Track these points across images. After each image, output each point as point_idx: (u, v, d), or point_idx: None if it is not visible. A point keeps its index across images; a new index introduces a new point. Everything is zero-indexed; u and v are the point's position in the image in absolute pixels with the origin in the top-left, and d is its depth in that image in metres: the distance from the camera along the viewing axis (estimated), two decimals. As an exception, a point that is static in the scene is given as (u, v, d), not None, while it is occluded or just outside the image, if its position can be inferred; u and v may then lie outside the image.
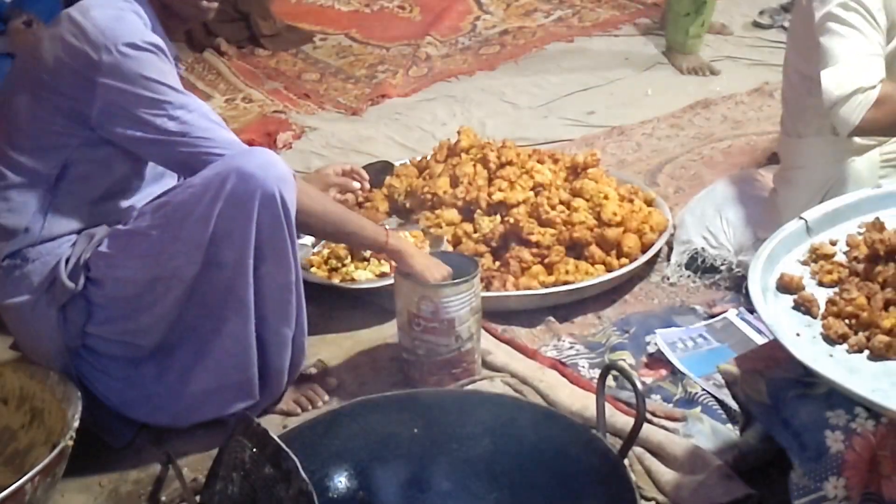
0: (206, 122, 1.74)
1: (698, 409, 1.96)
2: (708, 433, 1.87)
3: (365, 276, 2.32)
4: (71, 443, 1.61)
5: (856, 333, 1.41)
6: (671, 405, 2.00)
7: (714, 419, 1.92)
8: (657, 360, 2.18)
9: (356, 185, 2.33)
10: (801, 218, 1.68)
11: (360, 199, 2.57)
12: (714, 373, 2.06)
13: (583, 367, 2.15)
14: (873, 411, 1.30)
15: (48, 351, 1.80)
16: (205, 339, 1.79)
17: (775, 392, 1.39)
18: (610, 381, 2.09)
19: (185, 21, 1.89)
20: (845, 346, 1.40)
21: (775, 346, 1.48)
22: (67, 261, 1.74)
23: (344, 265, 2.33)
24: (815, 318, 1.48)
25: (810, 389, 1.37)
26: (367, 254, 2.30)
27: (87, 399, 1.74)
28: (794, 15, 2.30)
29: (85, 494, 1.76)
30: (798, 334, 1.43)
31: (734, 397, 1.60)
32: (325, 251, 2.39)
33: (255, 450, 1.22)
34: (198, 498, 1.43)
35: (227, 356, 1.79)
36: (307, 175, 2.42)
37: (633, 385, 1.38)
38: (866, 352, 1.39)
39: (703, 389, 2.02)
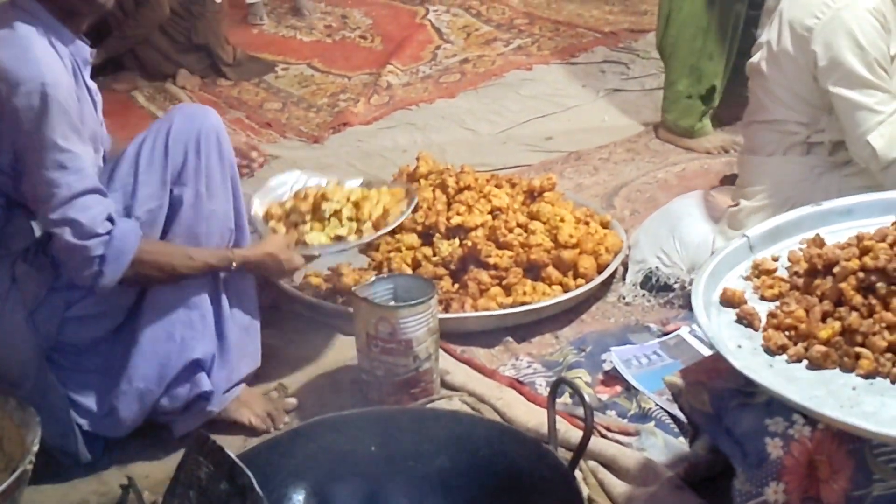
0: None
1: (652, 423, 2.00)
2: (661, 446, 1.91)
3: (318, 239, 2.24)
4: (30, 467, 1.62)
5: (795, 344, 1.46)
6: (626, 420, 2.04)
7: (667, 433, 1.96)
8: (613, 377, 2.22)
9: (260, 159, 2.28)
10: (744, 235, 1.74)
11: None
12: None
13: (540, 385, 2.18)
14: (810, 418, 1.35)
15: (22, 359, 1.83)
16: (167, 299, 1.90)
17: (718, 402, 1.44)
18: (566, 399, 2.14)
19: (85, 17, 1.86)
20: (784, 356, 1.45)
21: (718, 358, 1.52)
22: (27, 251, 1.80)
23: (304, 221, 2.25)
24: (756, 330, 1.53)
25: (751, 399, 1.42)
26: (327, 214, 2.25)
27: (61, 414, 1.76)
28: (777, 39, 2.29)
29: (51, 511, 1.77)
30: (739, 346, 1.48)
31: (680, 408, 1.65)
32: (288, 204, 2.30)
33: (210, 467, 1.24)
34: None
35: (179, 301, 1.90)
36: None
37: (581, 397, 1.42)
38: (805, 362, 1.44)
39: (657, 405, 2.07)
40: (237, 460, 1.22)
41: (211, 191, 1.90)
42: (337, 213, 2.23)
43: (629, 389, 2.16)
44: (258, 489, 1.20)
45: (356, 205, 2.26)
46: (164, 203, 1.86)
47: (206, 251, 1.91)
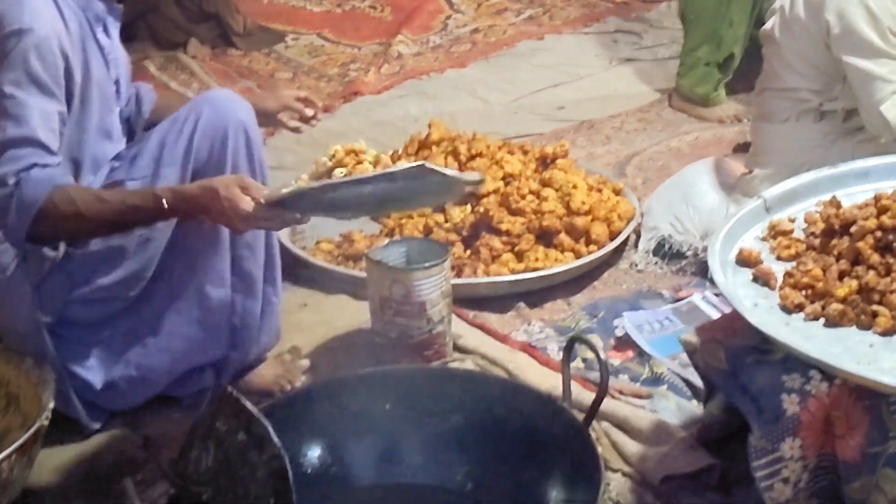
0: None
1: (664, 387, 2.01)
2: (673, 409, 1.92)
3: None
4: (46, 423, 1.62)
5: (812, 303, 1.46)
6: (638, 385, 2.04)
7: (679, 396, 1.97)
8: (625, 342, 2.22)
9: (309, 112, 2.12)
10: (760, 197, 1.73)
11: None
12: (680, 352, 2.11)
13: (552, 349, 2.19)
14: (827, 374, 1.35)
15: (23, 330, 1.81)
16: (180, 280, 1.84)
17: (734, 359, 1.44)
18: (579, 363, 2.14)
19: None
20: (801, 315, 1.45)
21: (734, 317, 1.52)
22: None
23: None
24: (772, 290, 1.52)
25: (767, 356, 1.42)
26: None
27: (61, 385, 1.76)
28: (790, 6, 2.29)
29: (62, 477, 1.78)
30: (756, 304, 1.47)
31: (695, 367, 1.64)
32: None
33: (228, 418, 1.24)
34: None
35: (198, 295, 1.84)
36: (263, 92, 2.31)
37: (597, 354, 1.42)
38: (821, 320, 1.43)
39: (669, 369, 2.07)
40: (255, 411, 1.23)
41: None
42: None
43: (641, 354, 2.16)
44: (276, 439, 1.20)
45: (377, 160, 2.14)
46: None
47: (126, 191, 1.72)
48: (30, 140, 1.64)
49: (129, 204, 1.67)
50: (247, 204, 1.63)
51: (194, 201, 1.67)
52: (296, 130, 2.15)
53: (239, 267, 1.88)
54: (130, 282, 1.81)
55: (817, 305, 1.45)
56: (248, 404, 1.23)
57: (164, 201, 1.65)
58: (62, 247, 1.75)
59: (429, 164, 1.71)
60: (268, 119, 2.04)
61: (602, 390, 1.39)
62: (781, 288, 1.50)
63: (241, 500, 1.22)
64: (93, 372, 1.85)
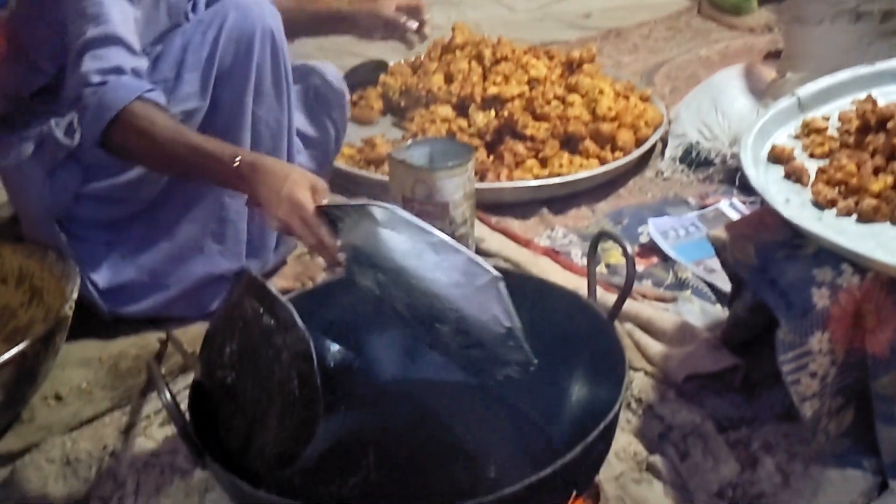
0: None
1: (688, 291, 1.99)
2: (697, 313, 1.90)
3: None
4: (70, 313, 1.63)
5: (845, 199, 1.43)
6: (662, 290, 2.03)
7: (704, 300, 1.95)
8: (649, 249, 2.20)
9: (413, 25, 2.00)
10: (793, 94, 1.69)
11: (418, 42, 2.11)
12: (705, 258, 2.10)
13: (575, 255, 2.17)
14: (859, 267, 1.33)
15: (37, 219, 1.80)
16: (196, 188, 1.79)
17: (763, 253, 1.41)
18: (602, 269, 2.13)
19: None
20: (833, 210, 1.42)
21: (764, 212, 1.49)
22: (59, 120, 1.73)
23: None
24: (804, 186, 1.49)
25: (798, 250, 1.39)
26: None
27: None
28: None
29: (85, 369, 1.79)
30: (788, 200, 1.44)
31: (723, 263, 1.62)
32: None
33: (252, 302, 1.24)
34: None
35: (215, 205, 1.81)
36: (359, 9, 2.09)
37: (623, 247, 1.39)
38: (854, 216, 1.41)
39: (694, 274, 2.05)
40: (279, 295, 1.22)
41: (260, 97, 1.75)
42: None
43: (666, 260, 2.15)
44: (300, 323, 1.19)
45: None
46: (203, 106, 1.72)
47: (208, 137, 1.58)
48: (112, 38, 1.58)
49: (206, 148, 1.53)
50: (308, 203, 1.42)
51: (263, 174, 1.47)
52: (409, 45, 2.07)
53: None
54: (143, 185, 1.77)
55: (850, 201, 1.42)
56: (273, 288, 1.22)
57: (237, 159, 1.49)
58: (77, 136, 1.71)
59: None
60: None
61: (628, 283, 1.37)
62: (814, 184, 1.47)
63: (264, 383, 1.22)
64: (100, 273, 1.84)
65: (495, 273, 1.27)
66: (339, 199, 1.54)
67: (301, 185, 1.43)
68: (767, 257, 1.40)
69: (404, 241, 1.29)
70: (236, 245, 1.88)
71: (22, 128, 1.75)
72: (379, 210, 1.30)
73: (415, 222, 1.29)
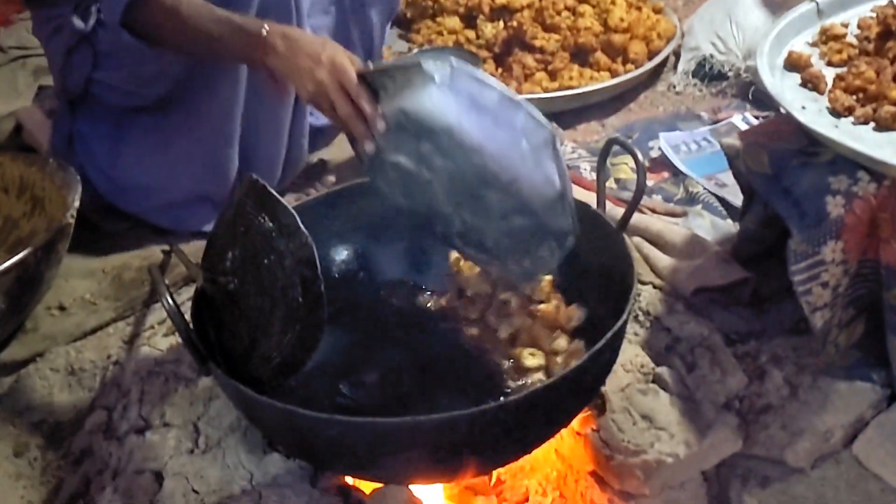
0: None
1: (699, 206, 1.96)
2: (707, 227, 1.88)
3: None
4: (72, 221, 1.61)
5: (863, 106, 1.39)
6: (672, 205, 2.00)
7: (714, 215, 1.92)
8: (660, 163, 2.17)
9: None
10: (812, 0, 1.63)
11: None
12: (717, 173, 2.06)
13: (584, 169, 2.14)
14: (876, 175, 1.29)
15: (56, 93, 1.79)
16: (197, 98, 1.75)
17: (777, 162, 1.37)
18: (611, 184, 2.09)
19: None
20: (851, 118, 1.38)
21: (779, 120, 1.46)
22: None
23: None
24: (821, 94, 1.45)
25: (813, 158, 1.36)
26: None
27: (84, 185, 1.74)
28: None
29: (88, 280, 1.78)
30: (804, 107, 1.40)
31: (735, 173, 1.59)
32: None
33: (254, 207, 1.21)
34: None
35: (224, 117, 1.77)
36: None
37: (633, 154, 1.36)
38: (872, 123, 1.36)
39: (705, 189, 2.02)
40: (282, 200, 1.19)
41: None
42: None
43: (676, 175, 2.12)
44: (303, 228, 1.17)
45: None
46: None
47: (233, 13, 1.51)
48: None
49: (232, 20, 1.47)
50: (349, 67, 1.36)
51: (296, 41, 1.42)
52: None
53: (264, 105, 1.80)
54: (154, 81, 1.73)
55: (868, 108, 1.37)
56: (275, 193, 1.20)
57: (264, 28, 1.44)
58: (92, 20, 1.67)
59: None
60: None
61: (639, 190, 1.33)
62: (831, 91, 1.43)
63: (267, 289, 1.20)
64: (104, 170, 1.83)
65: (552, 129, 1.24)
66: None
67: (340, 51, 1.39)
68: (781, 166, 1.37)
69: (461, 98, 1.23)
70: (237, 162, 1.84)
71: (50, 5, 1.71)
72: (435, 66, 1.23)
73: (476, 75, 1.23)
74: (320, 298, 1.17)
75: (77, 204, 1.63)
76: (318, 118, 1.97)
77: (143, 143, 1.81)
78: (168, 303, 1.14)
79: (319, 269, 1.17)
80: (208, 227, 1.80)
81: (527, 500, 1.56)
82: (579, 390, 1.21)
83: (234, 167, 1.85)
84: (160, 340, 1.59)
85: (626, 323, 1.25)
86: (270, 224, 1.19)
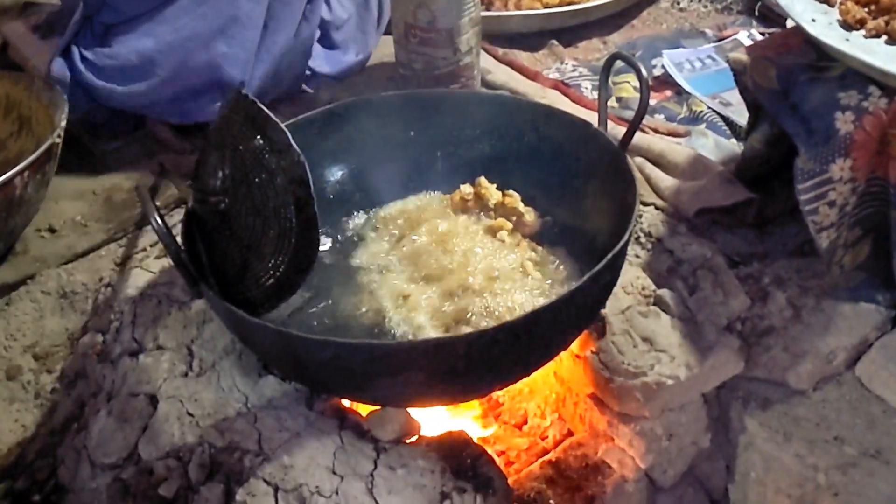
0: None
1: (703, 125, 1.92)
2: (711, 147, 1.83)
3: None
4: (59, 140, 1.56)
5: (874, 18, 1.34)
6: (675, 124, 1.95)
7: (718, 135, 1.88)
8: (662, 82, 2.12)
9: None
10: None
11: None
12: (721, 91, 2.01)
13: (586, 88, 2.09)
14: (888, 90, 1.25)
15: None
16: None
17: (786, 77, 1.33)
18: (613, 103, 2.04)
19: None
20: (862, 31, 1.33)
21: (788, 34, 1.41)
22: None
23: None
24: (831, 6, 1.40)
25: (822, 73, 1.31)
26: None
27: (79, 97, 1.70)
28: None
29: (79, 202, 1.74)
30: (813, 20, 1.35)
31: (741, 90, 1.54)
32: None
33: (244, 123, 1.17)
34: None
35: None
36: None
37: (636, 69, 1.31)
38: (884, 36, 1.32)
39: (709, 108, 1.97)
40: (272, 116, 1.15)
41: None
42: None
43: (680, 94, 2.06)
44: (295, 145, 1.13)
45: None
46: None
47: None
48: None
49: None
50: None
51: None
52: None
53: None
54: None
55: (881, 21, 1.33)
56: (265, 108, 1.15)
57: None
58: None
59: None
60: None
61: (643, 105, 1.29)
62: (842, 3, 1.38)
63: (260, 210, 1.16)
64: (95, 48, 1.78)
65: None
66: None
67: None
68: (790, 81, 1.32)
69: None
70: (244, 51, 1.78)
71: None
72: None
73: None
74: (314, 219, 1.14)
75: (64, 123, 1.58)
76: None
77: (139, 25, 1.75)
78: (157, 223, 1.11)
79: (312, 189, 1.13)
80: None
81: (525, 422, 1.55)
82: (580, 312, 1.19)
83: (256, 37, 1.79)
84: (153, 263, 1.56)
85: (627, 244, 1.22)
86: (261, 142, 1.16)
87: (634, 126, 1.34)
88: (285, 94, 1.95)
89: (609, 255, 1.16)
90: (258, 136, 1.15)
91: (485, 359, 1.10)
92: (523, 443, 1.50)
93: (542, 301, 1.33)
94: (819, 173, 1.27)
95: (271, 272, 1.18)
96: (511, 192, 1.50)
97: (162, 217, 1.13)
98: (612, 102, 2.03)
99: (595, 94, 2.09)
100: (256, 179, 1.16)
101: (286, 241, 1.15)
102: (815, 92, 1.29)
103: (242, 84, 1.76)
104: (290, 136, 1.14)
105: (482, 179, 1.52)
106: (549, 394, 1.54)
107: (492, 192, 1.50)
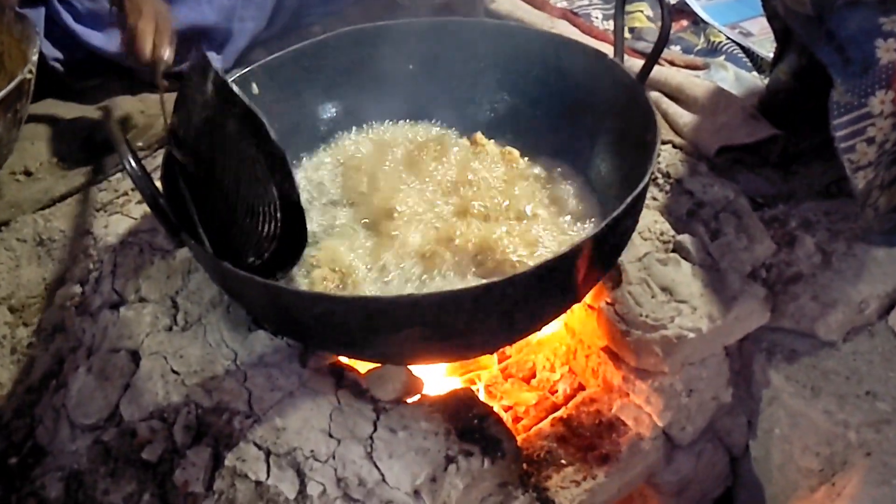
0: None
1: (722, 57, 1.80)
2: (731, 81, 1.72)
3: None
4: (30, 76, 1.45)
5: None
6: (692, 56, 1.84)
7: (739, 67, 1.76)
8: (678, 11, 2.00)
9: None
10: None
11: None
12: (741, 21, 1.89)
13: (596, 17, 1.97)
14: (936, 14, 1.13)
15: None
16: None
17: (820, 1, 1.21)
18: (625, 34, 1.92)
19: None
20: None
21: (824, -47, 1.28)
22: None
23: None
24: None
25: (863, -4, 1.19)
26: None
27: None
28: None
29: (56, 142, 1.63)
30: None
31: (769, 16, 1.42)
32: None
33: (217, 101, 1.05)
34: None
35: None
36: None
37: (659, -6, 1.19)
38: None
39: (728, 38, 1.85)
40: (246, 101, 1.02)
41: None
42: None
43: (697, 23, 1.95)
44: (273, 135, 1.01)
45: None
46: None
47: None
48: None
49: None
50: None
51: None
52: None
53: None
54: None
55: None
56: (239, 94, 1.03)
57: None
58: None
59: None
60: None
61: (664, 32, 1.18)
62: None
63: (239, 168, 1.06)
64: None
65: None
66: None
67: None
68: (825, 5, 1.20)
69: None
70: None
71: None
72: None
73: None
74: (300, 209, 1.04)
75: (35, 58, 1.47)
76: None
77: None
78: (130, 164, 1.00)
79: (296, 182, 1.03)
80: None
81: (533, 376, 1.47)
82: (596, 261, 1.08)
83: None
84: (134, 208, 1.46)
85: (647, 185, 1.11)
86: (236, 126, 1.04)
87: (655, 56, 1.23)
88: (281, 31, 1.84)
89: (629, 198, 1.06)
90: (232, 121, 1.03)
91: (494, 313, 1.01)
92: (531, 398, 1.41)
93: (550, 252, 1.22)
94: (857, 107, 1.16)
95: (258, 236, 1.08)
96: (510, 148, 1.39)
97: (137, 158, 1.02)
98: (625, 33, 1.91)
99: (605, 25, 1.96)
100: (231, 148, 1.05)
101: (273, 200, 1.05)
102: (853, 18, 1.17)
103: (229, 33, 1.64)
104: (270, 131, 1.02)
105: (478, 136, 1.41)
106: (558, 346, 1.45)
107: (489, 149, 1.39)
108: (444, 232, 1.22)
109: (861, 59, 1.16)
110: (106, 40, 1.68)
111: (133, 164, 1.00)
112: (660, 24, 1.84)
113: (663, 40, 1.18)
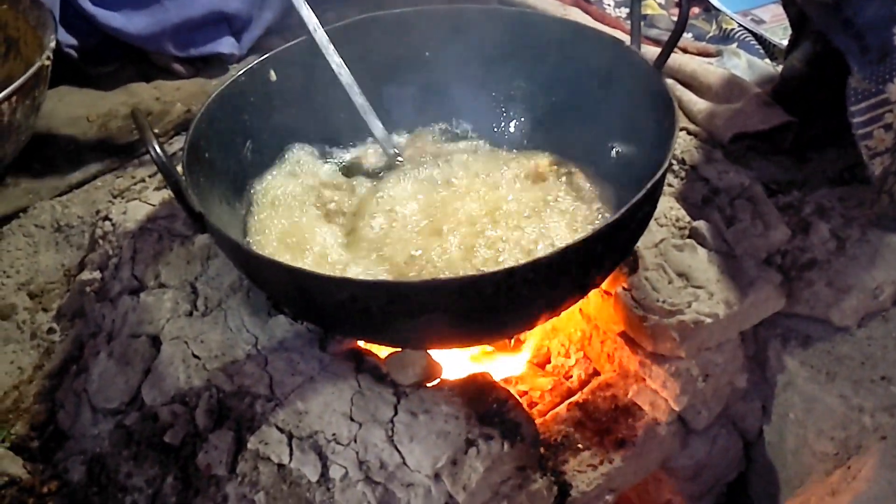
0: None
1: (734, 45, 1.81)
2: (744, 68, 1.73)
3: None
4: (48, 63, 1.46)
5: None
6: (704, 43, 1.84)
7: (751, 54, 1.77)
8: (690, -2, 1.99)
9: None
10: None
11: None
12: (753, 8, 1.89)
13: (608, 5, 1.97)
14: (955, 1, 1.14)
15: None
16: None
17: (839, -12, 1.21)
18: (636, 21, 1.92)
19: None
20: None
21: (842, -60, 1.28)
22: None
23: None
24: None
25: None
26: None
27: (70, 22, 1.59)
28: None
29: (73, 128, 1.64)
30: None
31: (785, 2, 1.43)
32: None
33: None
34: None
35: None
36: None
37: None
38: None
39: (740, 25, 1.86)
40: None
41: None
42: None
43: (708, 11, 1.95)
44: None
45: None
46: None
47: None
48: None
49: None
50: None
51: None
52: None
53: None
54: None
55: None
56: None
57: None
58: None
59: None
60: None
61: (682, 18, 1.18)
62: None
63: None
64: None
65: None
66: None
67: None
68: (844, -8, 1.21)
69: None
70: None
71: None
72: None
73: None
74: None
75: (53, 44, 1.47)
76: None
77: None
78: (155, 151, 1.01)
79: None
80: (224, 50, 1.67)
81: (548, 361, 1.48)
82: (614, 247, 1.09)
83: None
84: (152, 194, 1.47)
85: (666, 172, 1.12)
86: None
87: (672, 43, 1.23)
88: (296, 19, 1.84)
89: (648, 185, 1.06)
90: None
91: (514, 298, 1.01)
92: (546, 383, 1.42)
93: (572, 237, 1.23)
94: (875, 94, 1.16)
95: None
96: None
97: (161, 144, 1.03)
98: (635, 21, 1.91)
99: (617, 12, 1.97)
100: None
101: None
102: (871, 5, 1.18)
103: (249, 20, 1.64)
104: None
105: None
106: (573, 331, 1.46)
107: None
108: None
109: (879, 47, 1.16)
110: (125, 21, 1.67)
111: (158, 151, 1.01)
112: (671, 11, 1.84)
113: (681, 26, 1.18)
